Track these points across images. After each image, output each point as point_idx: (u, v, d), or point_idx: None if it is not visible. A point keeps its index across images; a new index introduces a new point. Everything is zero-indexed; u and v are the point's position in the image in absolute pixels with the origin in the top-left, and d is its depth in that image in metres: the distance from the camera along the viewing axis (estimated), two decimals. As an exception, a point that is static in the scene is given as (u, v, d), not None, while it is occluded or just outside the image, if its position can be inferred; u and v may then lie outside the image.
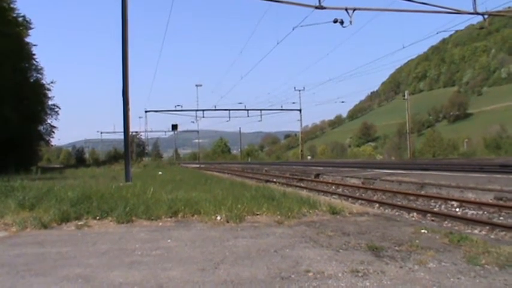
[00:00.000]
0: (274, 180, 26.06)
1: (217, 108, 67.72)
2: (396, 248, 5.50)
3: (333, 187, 20.29)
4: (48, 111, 50.09)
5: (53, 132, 52.87)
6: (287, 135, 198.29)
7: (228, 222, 7.64)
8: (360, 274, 4.41)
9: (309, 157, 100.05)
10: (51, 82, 49.06)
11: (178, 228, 7.28)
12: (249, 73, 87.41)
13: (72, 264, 5.07)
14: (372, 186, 18.66)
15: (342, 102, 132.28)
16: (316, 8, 18.20)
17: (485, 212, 11.33)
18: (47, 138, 53.84)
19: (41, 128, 50.25)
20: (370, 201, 14.39)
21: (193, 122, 78.72)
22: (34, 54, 46.91)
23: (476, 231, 8.95)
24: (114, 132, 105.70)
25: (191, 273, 4.59)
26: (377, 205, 13.51)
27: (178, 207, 8.58)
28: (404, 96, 67.23)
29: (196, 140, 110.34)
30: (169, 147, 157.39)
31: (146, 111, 70.76)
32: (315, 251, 5.42)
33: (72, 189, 10.80)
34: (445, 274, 4.36)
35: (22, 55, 41.94)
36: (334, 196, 15.91)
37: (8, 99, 34.65)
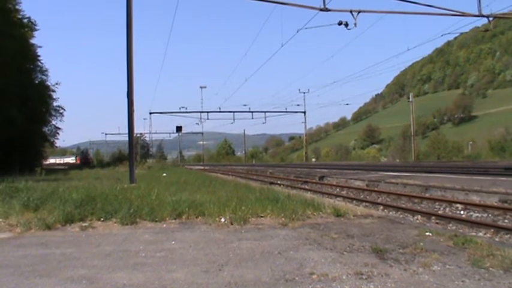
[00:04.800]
0: (279, 182, 26.04)
1: (221, 110, 67.80)
2: (400, 250, 5.49)
3: (337, 189, 20.25)
4: (53, 113, 50.24)
5: (58, 133, 53.12)
6: (291, 138, 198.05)
7: (232, 224, 7.63)
8: (364, 276, 4.40)
9: (313, 159, 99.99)
10: (56, 83, 49.26)
11: (182, 230, 7.29)
12: (253, 75, 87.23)
13: (76, 265, 5.08)
14: (376, 189, 18.63)
15: (347, 104, 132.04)
16: (321, 10, 18.22)
17: (490, 215, 11.29)
18: (52, 140, 54.03)
19: (45, 129, 50.42)
20: (374, 204, 14.36)
21: (197, 123, 78.91)
22: (39, 56, 47.14)
23: (480, 234, 8.92)
24: (119, 134, 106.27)
25: (195, 275, 4.59)
26: (381, 207, 13.47)
27: (183, 209, 8.59)
28: (408, 98, 67.06)
29: (201, 142, 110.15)
30: (174, 149, 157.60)
31: (151, 113, 71.00)
32: (319, 253, 5.41)
33: (76, 191, 10.82)
34: (450, 277, 4.34)
35: (27, 56, 42.06)
36: (338, 198, 15.89)
37: (13, 101, 34.76)
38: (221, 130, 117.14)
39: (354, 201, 15.02)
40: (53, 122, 51.26)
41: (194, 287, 4.22)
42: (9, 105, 33.50)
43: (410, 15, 21.41)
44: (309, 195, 14.00)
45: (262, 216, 8.31)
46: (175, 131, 75.98)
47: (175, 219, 8.22)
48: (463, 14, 20.04)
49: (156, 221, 8.02)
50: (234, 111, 68.23)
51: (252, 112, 68.98)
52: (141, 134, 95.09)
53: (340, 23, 18.79)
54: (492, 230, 9.31)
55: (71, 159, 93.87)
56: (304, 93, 74.22)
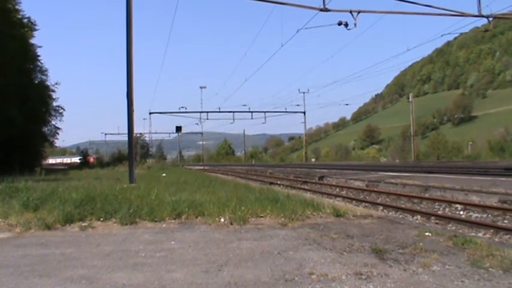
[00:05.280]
0: (278, 182, 26.04)
1: (221, 110, 67.80)
2: (400, 250, 5.49)
3: (337, 189, 20.25)
4: (53, 113, 50.27)
5: (57, 133, 53.14)
6: (291, 138, 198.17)
7: (231, 224, 7.63)
8: (363, 277, 4.40)
9: (313, 159, 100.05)
10: (56, 83, 49.30)
11: (182, 230, 7.29)
12: (253, 75, 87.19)
13: (75, 265, 5.08)
14: (375, 189, 18.63)
15: (346, 104, 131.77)
16: (321, 10, 18.23)
17: (490, 215, 11.28)
18: (51, 140, 54.05)
19: (45, 129, 50.43)
20: (374, 204, 14.36)
21: (197, 123, 78.90)
22: (39, 56, 47.17)
23: (480, 234, 8.91)
24: (118, 134, 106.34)
25: (195, 275, 4.59)
26: (381, 208, 13.47)
27: (182, 209, 8.59)
28: (408, 98, 67.11)
29: (200, 142, 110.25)
30: (173, 149, 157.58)
31: (150, 113, 71.10)
32: (318, 254, 5.41)
33: (76, 191, 10.82)
34: (449, 277, 4.35)
35: (27, 56, 42.07)
36: (338, 198, 15.89)
37: (13, 101, 34.77)
38: (221, 130, 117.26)
39: (354, 202, 15.02)
40: (53, 122, 51.34)
41: (194, 287, 4.22)
42: (9, 105, 33.52)
43: (410, 15, 21.44)
44: (308, 195, 14.00)
45: (261, 216, 8.31)
46: (175, 131, 76.19)
47: (174, 219, 8.22)
48: (463, 14, 20.05)
49: (156, 221, 8.02)
50: (233, 111, 68.30)
51: (252, 112, 69.05)
52: (140, 134, 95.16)
53: (340, 23, 18.81)
54: (492, 231, 9.32)
55: (78, 159, 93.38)
56: (303, 93, 74.40)
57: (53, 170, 46.79)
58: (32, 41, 45.05)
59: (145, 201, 9.44)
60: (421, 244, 5.73)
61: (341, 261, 5.01)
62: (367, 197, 16.75)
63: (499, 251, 5.16)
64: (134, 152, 17.91)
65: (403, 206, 13.68)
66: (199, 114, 69.02)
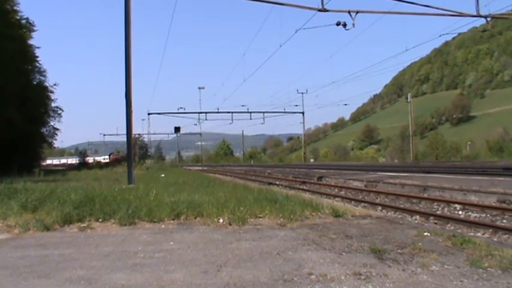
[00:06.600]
0: (277, 182, 26.04)
1: (220, 110, 67.81)
2: (399, 250, 5.49)
3: (336, 190, 20.25)
4: (51, 113, 50.14)
5: (56, 134, 52.98)
6: (290, 138, 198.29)
7: (230, 224, 7.63)
8: (362, 277, 4.40)
9: (311, 160, 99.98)
10: (55, 84, 49.17)
11: (181, 231, 7.28)
12: (252, 75, 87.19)
13: (74, 266, 5.08)
14: (374, 189, 18.63)
15: (345, 105, 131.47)
16: (319, 10, 18.25)
17: (488, 215, 11.30)
18: (50, 140, 53.90)
19: (44, 130, 50.30)
20: (372, 204, 14.36)
21: (196, 124, 78.61)
22: (37, 57, 47.04)
23: (479, 234, 8.94)
24: (117, 135, 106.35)
25: (194, 275, 4.59)
26: (380, 208, 13.48)
27: (181, 210, 8.58)
28: (407, 98, 67.21)
29: (199, 143, 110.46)
30: (172, 149, 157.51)
31: (149, 114, 71.15)
32: (317, 254, 5.41)
33: (75, 192, 10.81)
34: (448, 277, 4.35)
35: (25, 57, 41.97)
36: (336, 199, 15.89)
37: (11, 101, 34.72)
38: (219, 131, 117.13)
39: (353, 202, 15.02)
40: (52, 123, 51.21)
41: (193, 288, 4.22)
42: (8, 106, 33.48)
43: (409, 15, 21.45)
44: (307, 195, 14.00)
45: (260, 217, 8.31)
46: (173, 131, 76.27)
47: (173, 219, 8.22)
48: (461, 15, 20.08)
49: (155, 222, 8.02)
50: (232, 112, 68.45)
51: (251, 113, 69.15)
52: (139, 134, 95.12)
53: (338, 24, 18.83)
54: (490, 230, 9.33)
55: (102, 158, 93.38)
56: (302, 93, 74.66)
57: (51, 170, 46.70)
58: (31, 41, 45.04)
59: (144, 202, 9.44)
60: (420, 244, 5.73)
61: (340, 262, 5.01)
62: (366, 197, 16.75)
63: (497, 250, 5.17)
64: (133, 152, 17.90)
65: (402, 206, 13.69)
66: (197, 114, 69.19)
